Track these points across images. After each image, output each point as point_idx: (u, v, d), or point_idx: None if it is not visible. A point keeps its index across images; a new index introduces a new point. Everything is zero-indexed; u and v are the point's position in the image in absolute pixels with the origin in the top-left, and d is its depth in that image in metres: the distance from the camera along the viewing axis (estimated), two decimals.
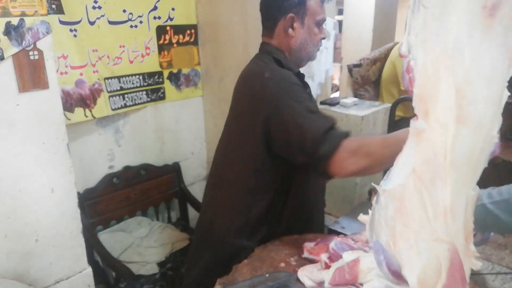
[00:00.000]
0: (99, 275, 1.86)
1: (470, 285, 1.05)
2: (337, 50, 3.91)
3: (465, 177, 0.55)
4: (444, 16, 0.54)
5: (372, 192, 1.58)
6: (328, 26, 2.04)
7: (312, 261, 1.17)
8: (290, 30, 1.31)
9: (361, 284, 1.00)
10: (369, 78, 2.74)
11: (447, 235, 0.54)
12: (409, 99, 1.84)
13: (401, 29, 4.42)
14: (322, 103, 2.14)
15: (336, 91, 4.18)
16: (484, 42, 0.52)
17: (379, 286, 0.97)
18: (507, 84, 0.54)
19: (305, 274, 1.09)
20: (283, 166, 1.25)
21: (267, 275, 1.12)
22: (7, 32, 1.35)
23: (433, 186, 0.55)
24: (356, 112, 1.97)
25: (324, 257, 1.10)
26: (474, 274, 1.75)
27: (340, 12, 3.84)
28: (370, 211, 0.66)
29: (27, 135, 1.40)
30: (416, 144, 0.57)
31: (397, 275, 0.61)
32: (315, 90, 2.10)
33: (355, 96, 2.77)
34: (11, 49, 1.37)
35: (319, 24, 1.34)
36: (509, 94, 0.54)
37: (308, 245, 1.20)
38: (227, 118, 1.39)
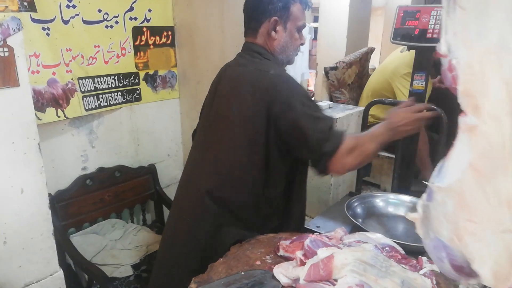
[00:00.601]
0: (71, 278, 1.82)
1: (443, 283, 1.08)
2: (312, 57, 3.99)
3: None
4: (484, 16, 0.55)
5: None
6: (304, 31, 2.07)
7: (287, 259, 1.18)
8: (273, 33, 1.35)
9: (336, 280, 1.02)
10: (344, 81, 2.80)
11: None
12: (382, 102, 1.89)
13: (373, 35, 4.54)
14: None
15: (312, 96, 4.25)
16: None
17: (352, 281, 1.00)
18: None
19: (281, 271, 1.10)
20: (290, 160, 1.34)
21: (242, 273, 1.12)
22: None
23: (493, 177, 0.55)
24: (331, 114, 2.01)
25: (299, 254, 1.11)
26: None
27: (316, 19, 3.92)
28: (418, 209, 0.67)
29: None
30: (469, 139, 0.57)
31: (460, 270, 0.60)
32: None
33: (331, 98, 2.82)
34: None
35: (300, 29, 1.39)
36: None
37: (284, 243, 1.21)
38: (209, 115, 1.42)
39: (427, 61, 1.81)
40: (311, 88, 4.54)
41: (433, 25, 1.70)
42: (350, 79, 2.84)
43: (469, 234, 0.57)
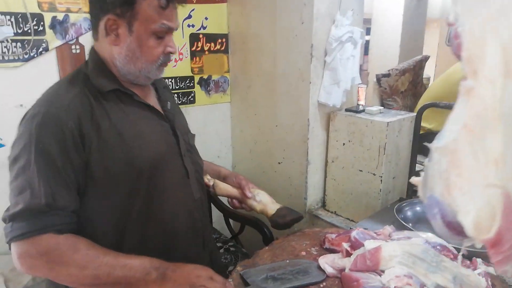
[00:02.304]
0: None
1: (499, 285, 1.02)
2: (363, 72, 3.95)
3: None
4: None
5: None
6: (355, 35, 2.07)
7: (333, 251, 1.17)
8: (112, 36, 1.05)
9: (382, 271, 1.00)
10: (397, 88, 2.74)
11: (499, 179, 0.58)
12: (436, 105, 1.82)
13: (428, 48, 4.41)
14: (347, 110, 2.16)
15: (362, 107, 4.17)
16: None
17: (400, 272, 0.97)
18: None
19: (326, 261, 1.10)
20: None
21: (287, 261, 1.13)
22: (52, 26, 1.46)
23: (483, 137, 0.59)
24: (382, 119, 1.97)
25: (345, 245, 1.10)
26: None
27: (368, 31, 3.91)
28: (422, 173, 0.71)
29: None
30: (466, 101, 0.61)
31: (451, 227, 0.63)
32: (340, 97, 2.12)
33: (383, 105, 2.76)
34: (55, 42, 1.47)
35: (159, 34, 1.06)
36: None
37: (330, 236, 1.21)
38: None
39: None
40: (361, 102, 4.46)
41: None
42: (404, 86, 2.77)
43: (457, 188, 0.61)
